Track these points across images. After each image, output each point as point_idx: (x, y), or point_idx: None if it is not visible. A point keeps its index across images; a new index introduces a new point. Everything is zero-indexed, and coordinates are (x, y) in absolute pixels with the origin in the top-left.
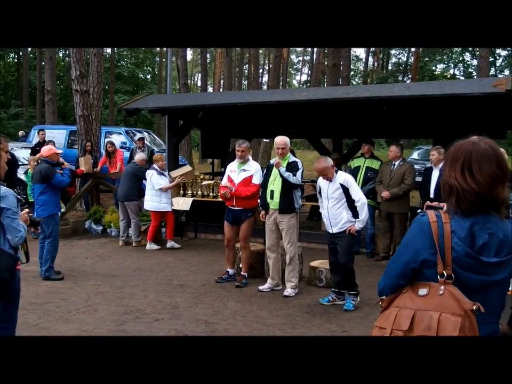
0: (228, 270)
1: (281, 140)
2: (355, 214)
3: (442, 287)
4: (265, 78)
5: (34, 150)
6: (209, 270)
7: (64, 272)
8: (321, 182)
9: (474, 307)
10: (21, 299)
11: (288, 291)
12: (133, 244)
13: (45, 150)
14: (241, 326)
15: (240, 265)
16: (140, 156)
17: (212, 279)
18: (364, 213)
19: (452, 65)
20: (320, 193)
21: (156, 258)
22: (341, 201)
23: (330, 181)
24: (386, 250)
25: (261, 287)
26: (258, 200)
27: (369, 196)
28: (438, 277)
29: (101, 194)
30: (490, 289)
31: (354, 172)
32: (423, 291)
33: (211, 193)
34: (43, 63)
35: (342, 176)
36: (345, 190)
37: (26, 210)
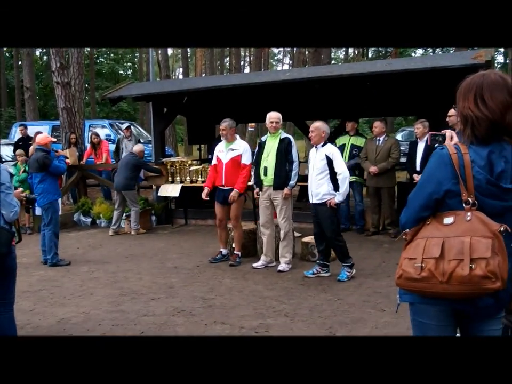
0: (221, 250)
1: (275, 114)
2: (336, 188)
3: (469, 213)
4: (247, 70)
5: (17, 145)
6: (202, 253)
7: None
8: (311, 152)
9: (502, 228)
10: None
11: (283, 266)
12: (132, 233)
13: (42, 138)
14: (238, 300)
15: (233, 245)
16: (138, 147)
17: (205, 260)
18: (344, 186)
19: (431, 50)
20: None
21: (147, 245)
22: (323, 172)
23: (316, 148)
24: (376, 226)
25: (255, 264)
26: (251, 180)
27: (356, 172)
28: (464, 204)
29: (88, 188)
30: (507, 213)
31: (339, 150)
32: (448, 220)
33: (199, 179)
34: (20, 62)
35: (329, 149)
36: (330, 162)
37: (21, 189)
